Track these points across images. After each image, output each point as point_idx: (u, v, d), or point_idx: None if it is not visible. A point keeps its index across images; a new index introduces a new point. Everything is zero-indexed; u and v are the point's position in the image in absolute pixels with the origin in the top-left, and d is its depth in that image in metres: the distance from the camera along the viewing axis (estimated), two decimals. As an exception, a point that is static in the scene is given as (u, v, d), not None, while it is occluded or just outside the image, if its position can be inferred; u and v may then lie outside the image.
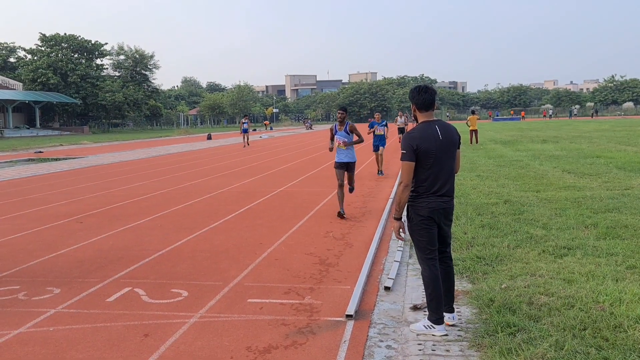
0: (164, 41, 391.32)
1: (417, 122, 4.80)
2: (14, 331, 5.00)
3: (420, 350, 4.38)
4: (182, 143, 42.98)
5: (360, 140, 10.11)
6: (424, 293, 5.73)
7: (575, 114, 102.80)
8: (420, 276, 6.27)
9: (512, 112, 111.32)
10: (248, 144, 35.04)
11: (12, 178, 18.98)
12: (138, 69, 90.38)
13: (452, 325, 4.78)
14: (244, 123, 35.21)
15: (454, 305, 4.91)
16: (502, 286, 5.61)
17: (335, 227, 9.29)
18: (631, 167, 15.61)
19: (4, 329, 5.04)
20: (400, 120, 31.16)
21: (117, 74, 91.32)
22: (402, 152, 4.58)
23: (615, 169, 15.25)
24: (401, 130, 29.69)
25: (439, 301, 4.67)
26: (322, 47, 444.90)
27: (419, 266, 6.68)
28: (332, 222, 9.66)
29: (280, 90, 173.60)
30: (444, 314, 4.74)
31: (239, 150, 31.34)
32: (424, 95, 4.70)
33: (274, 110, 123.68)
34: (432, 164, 4.58)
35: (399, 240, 7.98)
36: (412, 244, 4.92)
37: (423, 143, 4.55)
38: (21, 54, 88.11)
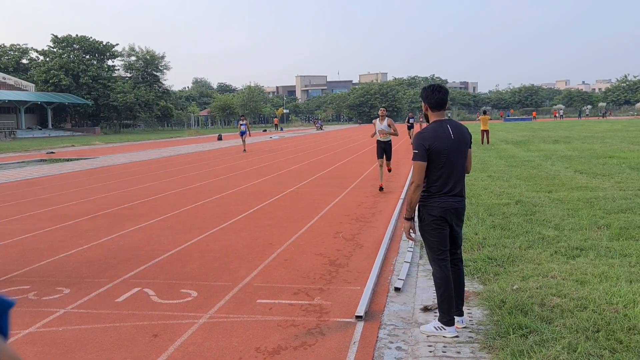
0: (174, 42, 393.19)
1: (427, 121, 4.79)
2: (23, 331, 5.00)
3: (430, 352, 4.34)
4: (192, 144, 43.09)
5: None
6: (435, 294, 5.69)
7: (587, 114, 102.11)
8: (431, 277, 6.23)
9: (512, 110, 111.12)
10: (245, 150, 30.99)
11: (24, 178, 19.10)
12: (149, 70, 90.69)
13: (464, 328, 4.73)
14: (241, 125, 30.77)
15: (463, 308, 4.86)
16: (514, 287, 5.55)
17: (345, 227, 9.25)
18: (644, 167, 15.45)
19: (13, 329, 5.04)
20: (381, 125, 13.60)
21: (129, 75, 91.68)
22: (414, 152, 4.55)
23: (628, 169, 15.09)
24: (384, 148, 13.80)
25: (450, 302, 4.63)
26: (332, 47, 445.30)
27: (429, 267, 6.64)
28: (342, 223, 9.62)
29: (291, 91, 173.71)
30: (459, 316, 4.72)
31: (249, 151, 31.33)
32: (437, 94, 4.68)
33: (285, 110, 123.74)
34: (444, 164, 4.55)
35: (410, 241, 7.93)
36: (423, 244, 4.87)
37: (435, 142, 4.52)
38: (33, 55, 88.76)
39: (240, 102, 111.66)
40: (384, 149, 13.77)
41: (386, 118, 13.64)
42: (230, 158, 26.40)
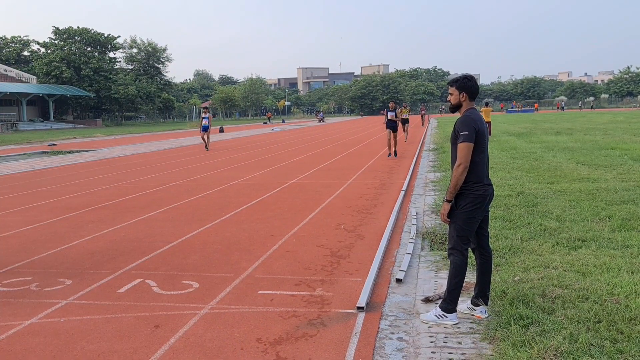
0: (176, 34, 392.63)
1: (452, 111, 4.87)
2: (25, 322, 5.01)
3: (432, 342, 4.34)
4: (194, 136, 43.04)
5: None
6: (436, 285, 5.69)
7: (581, 106, 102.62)
8: (432, 268, 6.24)
9: (501, 105, 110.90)
10: (207, 148, 26.02)
11: (26, 170, 19.11)
12: (151, 62, 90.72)
13: (486, 317, 4.74)
14: (203, 118, 26.25)
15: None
16: (515, 278, 5.55)
17: (346, 219, 9.24)
18: (647, 158, 15.40)
19: (15, 320, 5.06)
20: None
21: (130, 67, 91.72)
22: (464, 134, 4.54)
23: (631, 161, 15.05)
24: None
25: (460, 292, 4.71)
26: (334, 39, 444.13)
27: (431, 258, 6.65)
28: (344, 214, 9.62)
29: (293, 83, 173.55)
30: (480, 305, 4.77)
31: (251, 143, 31.31)
32: (477, 84, 4.78)
33: (287, 103, 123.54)
34: (484, 148, 4.64)
35: (411, 232, 7.92)
36: (450, 233, 4.77)
37: (481, 125, 4.62)
38: (35, 47, 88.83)
39: (241, 94, 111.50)
40: None
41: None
42: (232, 150, 26.39)
